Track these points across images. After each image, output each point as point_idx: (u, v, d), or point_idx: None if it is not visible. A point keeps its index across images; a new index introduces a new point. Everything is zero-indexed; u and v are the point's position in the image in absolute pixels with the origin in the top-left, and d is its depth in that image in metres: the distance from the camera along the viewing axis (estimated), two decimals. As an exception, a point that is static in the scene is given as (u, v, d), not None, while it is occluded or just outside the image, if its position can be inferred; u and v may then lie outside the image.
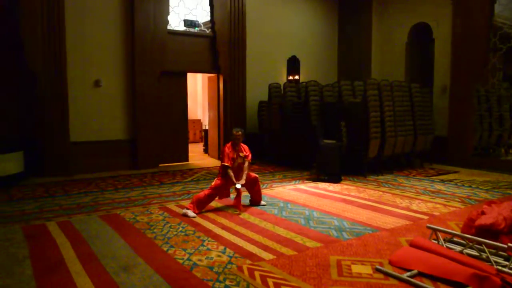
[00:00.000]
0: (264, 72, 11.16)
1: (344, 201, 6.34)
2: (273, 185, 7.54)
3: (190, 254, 4.15)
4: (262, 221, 5.25)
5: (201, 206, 5.71)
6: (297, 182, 7.79)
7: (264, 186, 7.42)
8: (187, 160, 10.49)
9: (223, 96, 10.69)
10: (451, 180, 8.05)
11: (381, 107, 8.54)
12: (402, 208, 5.90)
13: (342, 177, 7.94)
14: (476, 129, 9.95)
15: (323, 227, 4.98)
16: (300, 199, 6.42)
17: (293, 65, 11.89)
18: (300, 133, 9.13)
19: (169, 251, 4.24)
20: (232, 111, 10.70)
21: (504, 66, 10.49)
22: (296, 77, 11.85)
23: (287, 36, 11.75)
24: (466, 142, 9.93)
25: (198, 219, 5.39)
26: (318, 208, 5.91)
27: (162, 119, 9.84)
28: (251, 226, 5.07)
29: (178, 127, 10.34)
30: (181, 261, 3.96)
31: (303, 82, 9.94)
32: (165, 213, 5.71)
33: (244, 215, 5.56)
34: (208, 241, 4.54)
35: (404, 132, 8.96)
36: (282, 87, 10.16)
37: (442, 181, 8.00)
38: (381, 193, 6.91)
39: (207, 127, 12.45)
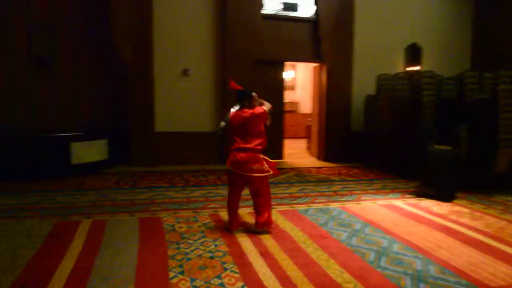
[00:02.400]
0: (375, 62, 9.55)
1: (446, 230, 4.71)
2: (362, 197, 6.14)
3: (195, 288, 3.17)
4: (318, 249, 4.01)
5: (232, 218, 4.58)
6: (395, 196, 6.26)
7: (350, 198, 6.07)
8: (281, 157, 9.49)
9: (326, 89, 9.41)
10: None
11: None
12: (529, 252, 4.12)
13: (457, 195, 6.17)
14: None
15: (396, 271, 3.56)
16: (386, 222, 4.97)
17: (413, 54, 10.03)
18: (409, 135, 7.47)
19: (173, 280, 3.31)
20: (335, 105, 9.37)
21: None
22: (417, 68, 9.98)
23: (406, 21, 9.92)
24: None
25: (240, 237, 4.35)
26: (404, 237, 4.43)
27: (255, 111, 8.95)
28: (300, 255, 3.88)
29: (273, 120, 9.33)
30: (171, 301, 3.00)
31: (416, 73, 8.15)
32: (211, 222, 4.82)
33: (302, 237, 4.36)
34: (230, 271, 3.49)
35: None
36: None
37: None
38: (505, 223, 5.07)
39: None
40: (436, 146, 6.33)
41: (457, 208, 5.66)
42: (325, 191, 6.51)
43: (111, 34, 8.02)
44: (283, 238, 4.32)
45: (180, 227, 4.63)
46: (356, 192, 6.51)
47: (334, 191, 6.53)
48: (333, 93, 9.31)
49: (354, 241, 4.29)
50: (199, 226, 4.68)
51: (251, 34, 8.68)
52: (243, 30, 8.61)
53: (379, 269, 3.58)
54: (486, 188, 6.51)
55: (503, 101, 6.36)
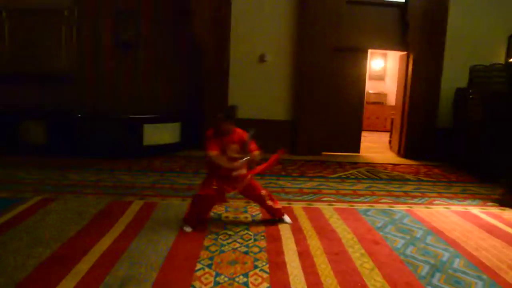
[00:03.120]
0: (471, 52, 8.53)
1: (527, 248, 4.03)
2: (435, 201, 5.52)
3: (217, 284, 2.99)
4: (365, 256, 3.62)
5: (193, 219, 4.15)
6: (474, 203, 5.54)
7: (421, 200, 5.49)
8: (357, 151, 8.97)
9: (410, 80, 8.66)
10: None
11: None
12: None
13: (553, 207, 5.30)
14: None
15: (448, 291, 3.08)
16: (454, 231, 4.38)
17: (518, 43, 8.85)
18: (503, 135, 6.60)
19: (198, 272, 3.16)
20: (420, 98, 8.61)
21: None
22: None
23: (506, 5, 8.73)
24: None
25: (284, 233, 4.08)
26: (471, 252, 3.84)
27: (332, 101, 8.58)
28: (343, 260, 3.52)
29: (352, 112, 8.88)
30: (186, 293, 2.86)
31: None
32: (260, 215, 4.60)
33: (351, 240, 3.99)
34: (260, 270, 3.26)
35: None
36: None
37: None
38: None
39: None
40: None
41: (544, 222, 4.85)
42: (395, 191, 5.98)
43: (191, 19, 8.05)
44: (330, 239, 3.98)
45: (227, 217, 4.49)
46: (430, 194, 5.89)
47: (404, 191, 5.97)
48: (419, 84, 8.54)
49: (409, 250, 3.81)
50: (246, 218, 4.50)
51: (333, 19, 8.23)
52: (324, 14, 8.19)
53: (429, 287, 3.11)
54: None
55: None
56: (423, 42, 8.45)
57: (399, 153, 8.98)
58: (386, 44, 8.87)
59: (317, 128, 8.45)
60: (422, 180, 6.79)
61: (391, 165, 7.94)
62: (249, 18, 8.31)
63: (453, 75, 8.46)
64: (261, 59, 8.39)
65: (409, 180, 6.78)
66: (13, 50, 8.27)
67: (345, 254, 3.66)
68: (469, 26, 8.62)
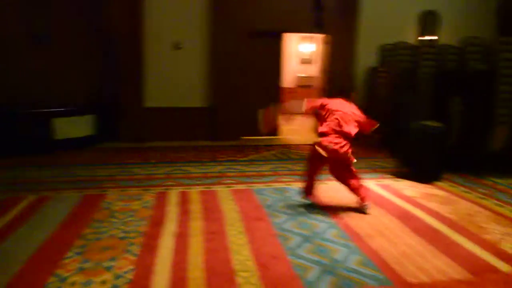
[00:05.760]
0: (384, 32, 8.70)
1: (403, 216, 4.21)
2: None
3: (80, 269, 2.92)
4: (242, 233, 3.66)
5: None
6: (372, 176, 5.72)
7: (321, 177, 5.59)
8: (276, 134, 9.05)
9: (328, 61, 8.81)
10: None
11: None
12: (482, 244, 3.55)
13: (441, 176, 5.55)
14: None
15: (310, 260, 3.18)
16: (340, 204, 4.51)
17: (428, 22, 9.16)
18: (405, 110, 6.83)
19: (66, 260, 3.07)
20: (337, 79, 8.73)
21: None
22: (434, 37, 9.12)
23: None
24: None
25: (173, 215, 4.05)
26: (347, 222, 3.98)
27: (249, 86, 8.56)
28: (218, 238, 3.55)
29: (269, 96, 8.87)
30: None
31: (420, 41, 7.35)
32: (152, 201, 4.52)
33: (234, 218, 4.00)
34: (130, 254, 3.22)
35: None
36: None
37: None
38: (478, 209, 4.48)
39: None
40: (422, 122, 5.71)
41: (434, 191, 5.09)
42: (299, 169, 6.06)
43: (104, 8, 7.79)
44: (213, 220, 3.99)
45: (117, 205, 4.39)
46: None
47: (308, 170, 6.07)
48: (336, 66, 8.69)
49: (288, 225, 3.89)
50: (137, 205, 4.41)
51: (247, 4, 8.19)
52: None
53: (292, 257, 3.19)
54: (478, 169, 5.81)
55: (504, 71, 5.62)
56: (338, 24, 8.59)
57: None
58: (302, 27, 8.93)
59: (235, 113, 8.43)
60: (331, 158, 6.93)
61: (307, 146, 8.04)
62: (163, 5, 8.12)
63: (368, 55, 8.65)
64: (176, 46, 8.24)
65: (319, 159, 6.90)
66: None
67: (223, 233, 3.68)
68: (383, 7, 8.83)
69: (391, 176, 5.74)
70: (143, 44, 8.05)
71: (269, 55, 8.75)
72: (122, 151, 7.25)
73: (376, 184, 5.30)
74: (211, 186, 5.13)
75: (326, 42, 8.78)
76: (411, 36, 9.06)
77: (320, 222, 3.95)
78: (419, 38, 9.02)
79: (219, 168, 6.13)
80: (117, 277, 2.88)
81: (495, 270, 3.11)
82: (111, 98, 8.22)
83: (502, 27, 9.18)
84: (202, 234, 3.63)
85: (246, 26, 8.31)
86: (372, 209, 4.33)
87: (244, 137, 8.64)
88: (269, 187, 5.15)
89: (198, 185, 5.19)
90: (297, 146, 8.04)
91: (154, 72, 8.20)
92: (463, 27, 8.96)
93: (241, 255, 3.23)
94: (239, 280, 2.86)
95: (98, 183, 5.22)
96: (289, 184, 5.28)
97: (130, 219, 4.00)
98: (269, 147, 7.89)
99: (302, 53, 14.44)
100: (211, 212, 4.19)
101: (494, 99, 5.62)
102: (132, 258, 3.16)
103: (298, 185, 5.11)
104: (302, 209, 4.32)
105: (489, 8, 9.44)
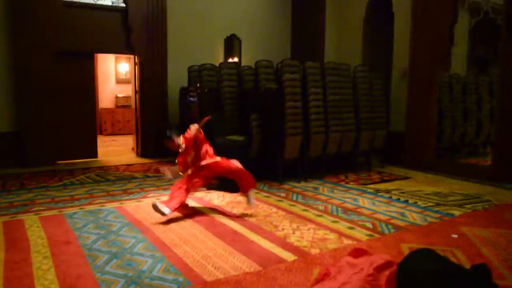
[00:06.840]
0: (195, 53, 9.34)
1: (208, 223, 4.66)
2: (150, 194, 5.90)
3: None
4: (48, 258, 3.61)
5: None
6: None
7: (136, 196, 5.78)
8: (95, 156, 8.88)
9: (139, 81, 9.02)
10: (389, 191, 6.26)
11: (305, 95, 6.78)
12: (274, 240, 4.17)
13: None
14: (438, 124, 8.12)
15: (116, 274, 3.32)
16: (152, 219, 4.73)
17: (232, 45, 10.11)
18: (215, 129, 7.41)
19: None
20: (149, 98, 9.02)
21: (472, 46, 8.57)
22: (236, 59, 10.08)
23: (223, 13, 9.93)
24: (426, 140, 8.08)
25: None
26: (157, 235, 4.25)
27: (61, 107, 8.24)
28: (21, 267, 3.43)
29: (84, 117, 8.71)
30: None
31: (221, 63, 8.07)
32: None
33: (41, 245, 3.90)
34: None
35: (340, 128, 7.19)
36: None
37: (377, 191, 6.23)
38: (274, 210, 5.20)
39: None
40: (227, 137, 6.32)
41: (239, 198, 5.67)
42: (115, 190, 6.13)
43: None
44: (17, 250, 3.82)
45: None
46: (149, 189, 6.25)
47: (124, 189, 6.19)
48: (147, 85, 8.96)
49: (98, 244, 3.97)
50: None
51: (50, 23, 7.88)
52: (39, 18, 7.75)
53: (98, 274, 3.30)
54: (280, 176, 6.65)
55: (288, 90, 6.57)
56: (147, 45, 8.86)
57: (137, 153, 9.26)
58: (113, 47, 9.01)
59: (48, 136, 8.01)
60: (148, 177, 7.14)
61: (125, 166, 8.12)
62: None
63: (178, 75, 9.07)
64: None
65: (137, 178, 7.06)
66: None
67: (27, 260, 3.58)
68: (192, 30, 9.44)
69: (204, 189, 6.20)
70: None
71: (82, 75, 8.58)
72: None
73: (189, 198, 5.66)
74: (16, 215, 4.88)
75: (137, 63, 8.98)
76: (220, 57, 9.87)
77: (130, 238, 4.13)
78: (223, 60, 9.85)
79: (27, 195, 5.82)
80: None
81: (281, 260, 3.67)
82: None
83: (292, 52, 10.69)
84: (3, 265, 3.48)
85: (53, 45, 7.99)
86: (182, 220, 4.67)
87: (60, 161, 8.27)
88: (82, 210, 5.11)
89: (2, 215, 4.88)
90: (115, 167, 8.02)
91: None
92: (261, 50, 10.16)
93: (46, 279, 3.22)
94: (41, 304, 2.87)
95: None
96: (103, 205, 5.31)
97: None
98: (85, 170, 7.71)
99: (120, 72, 14.35)
100: (15, 242, 4.02)
101: (283, 114, 6.52)
102: None
103: (112, 206, 5.20)
104: (114, 228, 4.43)
105: (283, 35, 10.87)
